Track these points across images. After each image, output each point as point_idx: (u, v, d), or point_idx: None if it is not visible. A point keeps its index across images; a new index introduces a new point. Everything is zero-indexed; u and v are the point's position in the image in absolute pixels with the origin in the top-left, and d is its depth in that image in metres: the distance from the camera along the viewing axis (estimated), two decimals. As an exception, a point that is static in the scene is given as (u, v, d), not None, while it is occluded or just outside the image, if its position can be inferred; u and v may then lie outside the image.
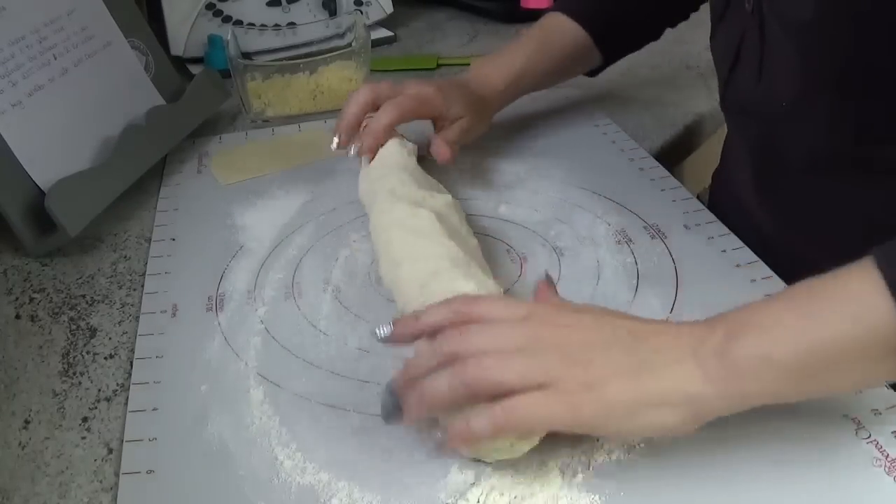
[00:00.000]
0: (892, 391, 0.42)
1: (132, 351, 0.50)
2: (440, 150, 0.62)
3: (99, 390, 0.47)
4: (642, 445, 0.40)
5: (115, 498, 0.40)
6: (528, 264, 0.55)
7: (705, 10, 0.64)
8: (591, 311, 0.40)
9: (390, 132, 0.62)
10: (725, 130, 0.74)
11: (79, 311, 0.55)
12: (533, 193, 0.64)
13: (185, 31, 0.93)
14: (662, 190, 0.64)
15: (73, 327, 0.53)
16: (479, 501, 0.38)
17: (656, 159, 0.69)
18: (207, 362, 0.48)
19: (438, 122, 0.65)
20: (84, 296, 0.56)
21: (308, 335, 0.50)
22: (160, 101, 0.75)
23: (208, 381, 0.47)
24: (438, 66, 0.94)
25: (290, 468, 0.41)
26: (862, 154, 0.51)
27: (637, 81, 0.87)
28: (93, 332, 0.53)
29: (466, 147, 0.70)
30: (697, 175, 0.89)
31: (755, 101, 0.55)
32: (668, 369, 0.36)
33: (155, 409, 0.45)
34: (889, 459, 0.39)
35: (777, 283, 0.52)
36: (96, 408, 0.46)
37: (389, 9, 1.03)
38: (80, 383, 0.48)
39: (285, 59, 0.86)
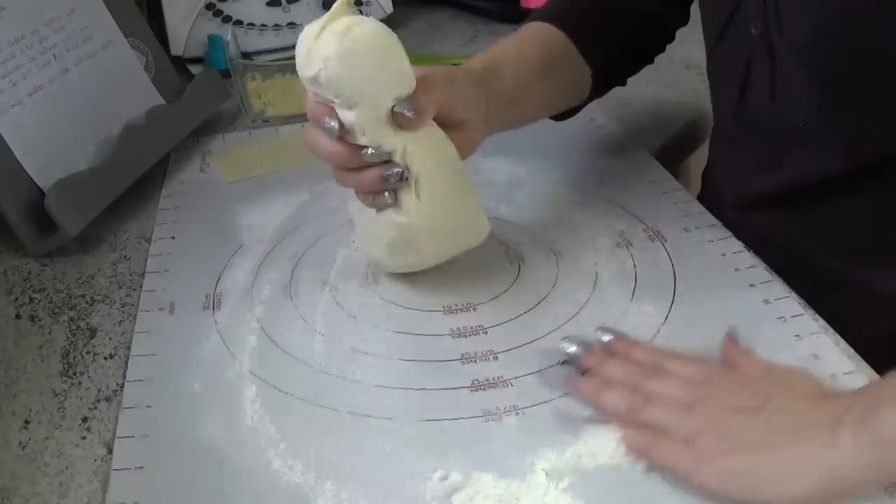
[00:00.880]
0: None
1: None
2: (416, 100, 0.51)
3: (99, 390, 0.48)
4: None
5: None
6: (525, 266, 0.56)
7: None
8: (759, 379, 0.42)
9: None
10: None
11: (79, 311, 0.55)
12: (533, 194, 0.64)
13: (185, 31, 0.93)
14: (664, 192, 0.64)
15: (73, 327, 0.53)
16: None
17: (656, 159, 0.69)
18: (202, 360, 0.49)
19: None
20: (84, 296, 0.57)
21: (303, 335, 0.50)
22: (160, 101, 0.75)
23: (202, 380, 0.47)
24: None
25: (278, 467, 0.41)
26: (878, 171, 0.51)
27: (637, 81, 0.87)
28: (93, 332, 0.53)
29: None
30: (697, 175, 0.89)
31: (771, 122, 0.55)
32: (802, 441, 0.37)
33: (148, 407, 0.45)
34: None
35: (776, 286, 0.52)
36: (96, 408, 0.46)
37: (389, 9, 1.03)
38: (80, 383, 0.48)
39: (285, 59, 0.86)
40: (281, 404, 0.45)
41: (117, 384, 0.48)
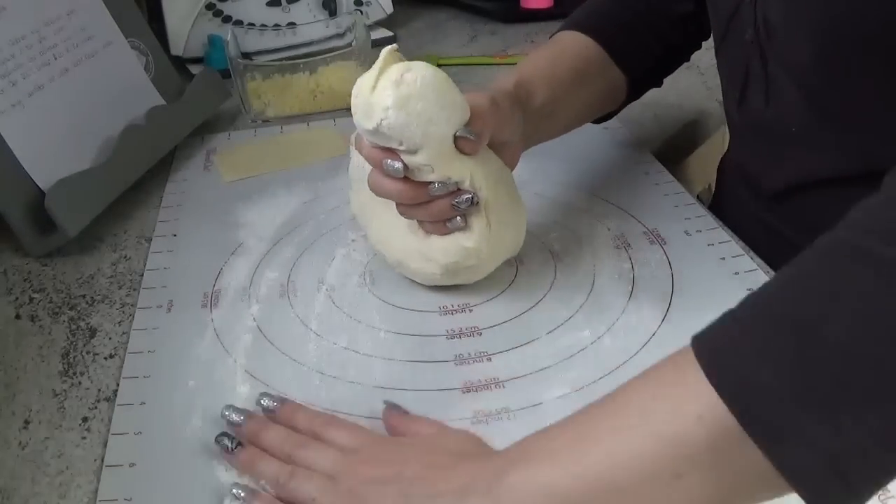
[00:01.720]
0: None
1: (131, 351, 0.50)
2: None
3: (99, 390, 0.48)
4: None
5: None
6: (523, 267, 0.56)
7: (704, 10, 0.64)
8: (414, 446, 0.39)
9: None
10: (725, 130, 0.74)
11: (79, 311, 0.55)
12: (535, 195, 0.64)
13: (185, 31, 0.93)
14: (666, 195, 0.64)
15: (73, 327, 0.53)
16: None
17: (657, 159, 0.69)
18: (197, 358, 0.49)
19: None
20: (84, 296, 0.57)
21: (299, 334, 0.50)
22: (160, 101, 0.75)
23: (197, 377, 0.47)
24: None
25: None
26: (870, 178, 0.51)
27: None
28: (93, 332, 0.53)
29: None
30: (697, 175, 0.90)
31: (766, 124, 0.56)
32: (456, 496, 0.34)
33: (143, 404, 0.45)
34: None
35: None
36: (96, 408, 0.46)
37: (389, 9, 1.03)
38: (80, 383, 0.48)
39: (285, 59, 0.86)
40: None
41: (117, 384, 0.48)
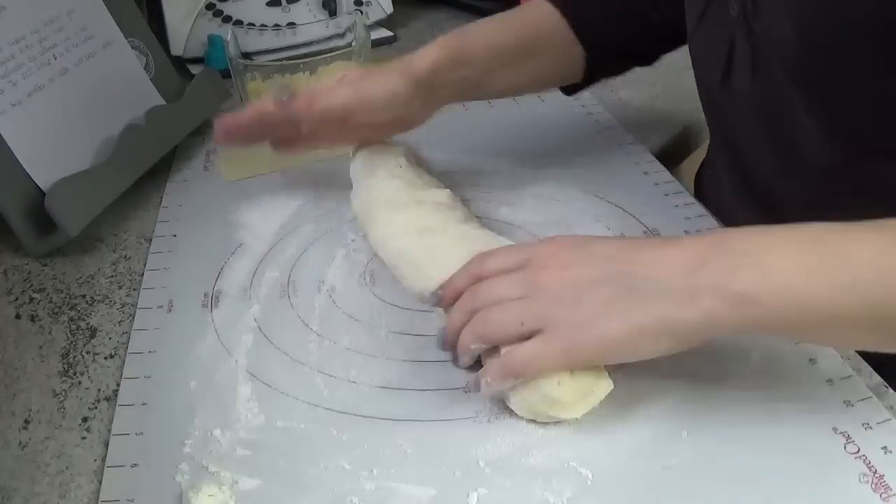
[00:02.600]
0: (883, 406, 0.42)
1: (132, 351, 0.50)
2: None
3: (99, 390, 0.48)
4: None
5: (114, 498, 0.40)
6: (526, 266, 0.56)
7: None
8: (585, 245, 0.42)
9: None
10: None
11: (79, 311, 0.55)
12: (535, 196, 0.64)
13: (185, 31, 0.93)
14: (666, 195, 0.63)
15: (73, 327, 0.53)
16: None
17: (656, 159, 0.69)
18: (198, 358, 0.49)
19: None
20: (84, 296, 0.57)
21: (299, 334, 0.50)
22: (160, 101, 0.75)
23: (198, 378, 0.47)
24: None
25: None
26: (861, 162, 0.51)
27: (637, 81, 0.87)
28: (93, 332, 0.53)
29: (469, 149, 0.70)
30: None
31: (755, 101, 0.55)
32: (659, 300, 0.38)
33: (144, 404, 0.45)
34: (877, 476, 0.38)
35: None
36: (96, 408, 0.46)
37: (389, 9, 1.03)
38: (80, 383, 0.48)
39: (285, 59, 0.86)
40: (275, 403, 0.45)
41: (117, 384, 0.48)
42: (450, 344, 0.44)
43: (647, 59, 0.69)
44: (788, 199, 0.56)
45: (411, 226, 0.52)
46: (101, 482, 0.41)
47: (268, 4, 0.96)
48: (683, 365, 0.46)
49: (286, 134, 0.59)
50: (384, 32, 1.04)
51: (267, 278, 0.56)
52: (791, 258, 0.37)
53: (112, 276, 0.59)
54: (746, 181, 0.60)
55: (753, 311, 0.37)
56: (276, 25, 0.95)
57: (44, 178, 0.61)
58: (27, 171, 0.61)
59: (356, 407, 0.44)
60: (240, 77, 0.78)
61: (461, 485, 0.39)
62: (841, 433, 0.41)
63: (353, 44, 0.83)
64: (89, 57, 0.69)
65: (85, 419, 0.46)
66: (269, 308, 0.53)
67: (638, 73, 0.88)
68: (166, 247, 0.61)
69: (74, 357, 0.51)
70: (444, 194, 0.56)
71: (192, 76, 0.79)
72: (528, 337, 0.40)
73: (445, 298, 0.45)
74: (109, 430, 0.44)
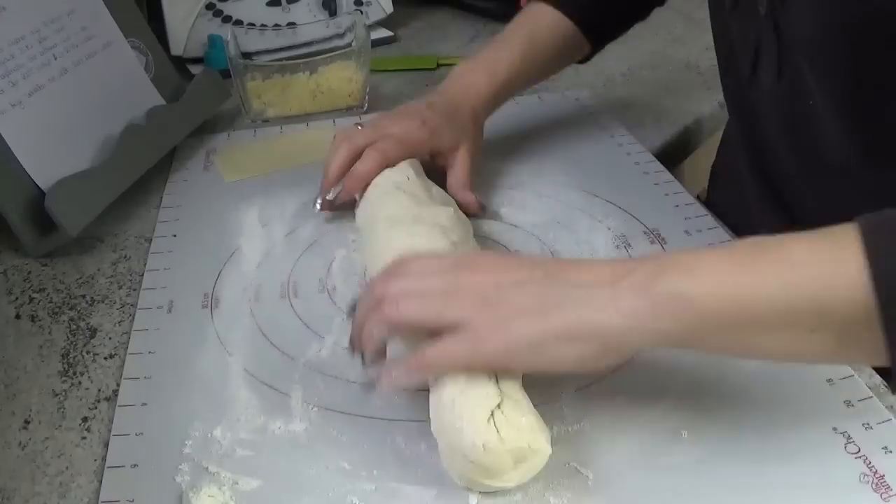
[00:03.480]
0: (883, 406, 0.42)
1: (132, 351, 0.50)
2: (468, 204, 0.60)
3: (99, 390, 0.48)
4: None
5: (114, 498, 0.40)
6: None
7: (704, 8, 0.63)
8: (519, 257, 0.42)
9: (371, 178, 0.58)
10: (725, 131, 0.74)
11: (79, 311, 0.55)
12: (535, 196, 0.64)
13: (185, 31, 0.93)
14: (666, 195, 0.63)
15: (73, 327, 0.53)
16: None
17: (657, 159, 0.69)
18: (198, 359, 0.49)
19: (435, 157, 0.63)
20: (84, 296, 0.57)
21: (299, 335, 0.50)
22: (160, 101, 0.75)
23: (198, 378, 0.47)
24: (438, 66, 0.94)
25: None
26: (885, 164, 0.51)
27: (637, 82, 0.87)
28: (93, 332, 0.53)
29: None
30: (697, 175, 0.90)
31: (780, 99, 0.55)
32: (579, 302, 0.36)
33: (144, 405, 0.45)
34: (877, 476, 0.38)
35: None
36: (96, 408, 0.46)
37: (389, 9, 1.03)
38: (80, 383, 0.48)
39: (285, 59, 0.86)
40: (276, 404, 0.45)
41: (117, 384, 0.48)
42: (356, 337, 0.42)
43: (644, 15, 0.73)
44: (809, 198, 0.56)
45: (401, 244, 0.49)
46: (101, 482, 0.41)
47: (268, 4, 0.96)
48: (683, 365, 0.46)
49: None
50: (384, 32, 1.04)
51: (267, 279, 0.56)
52: (721, 260, 0.36)
53: (112, 276, 0.59)
54: (768, 179, 0.60)
55: (680, 310, 0.35)
56: (276, 25, 0.95)
57: (44, 178, 0.61)
58: (27, 171, 0.61)
59: (356, 407, 0.44)
60: (240, 77, 0.78)
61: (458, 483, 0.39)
62: (841, 433, 0.41)
63: (353, 44, 0.83)
64: (89, 57, 0.69)
65: (85, 419, 0.46)
66: (269, 308, 0.53)
67: (638, 72, 0.89)
68: (166, 247, 0.61)
69: (74, 357, 0.51)
70: (445, 213, 0.53)
71: (192, 76, 0.79)
72: (438, 334, 0.38)
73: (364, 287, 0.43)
74: (109, 430, 0.44)
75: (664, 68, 0.91)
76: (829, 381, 0.44)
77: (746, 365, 0.45)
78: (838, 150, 0.52)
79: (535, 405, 0.39)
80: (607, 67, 0.89)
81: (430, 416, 0.40)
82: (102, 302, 0.56)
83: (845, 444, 0.40)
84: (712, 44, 0.62)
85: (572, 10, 0.67)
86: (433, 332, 0.38)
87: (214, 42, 0.91)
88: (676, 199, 0.63)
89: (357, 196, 0.60)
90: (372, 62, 0.82)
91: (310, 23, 0.94)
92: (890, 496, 0.37)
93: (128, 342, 0.51)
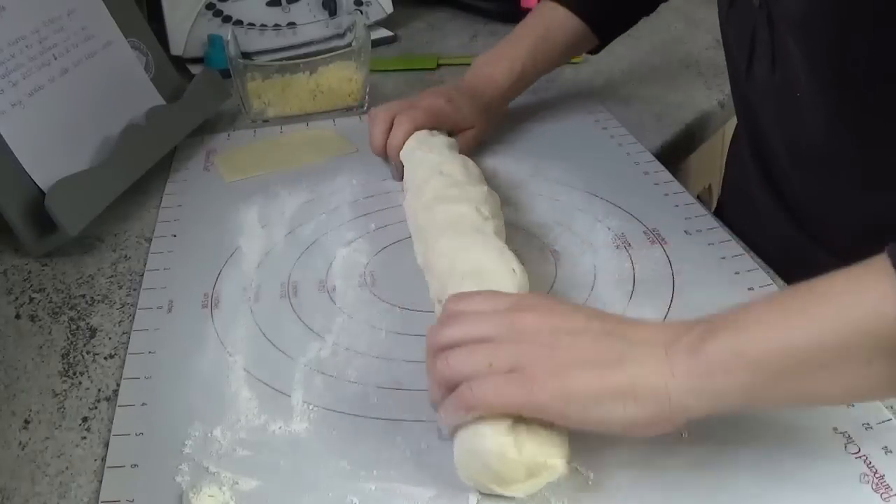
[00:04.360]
0: (883, 406, 0.42)
1: (132, 351, 0.50)
2: None
3: (99, 390, 0.48)
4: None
5: (114, 498, 0.40)
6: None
7: (704, 8, 0.64)
8: (573, 304, 0.42)
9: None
10: (725, 131, 0.74)
11: (79, 311, 0.55)
12: (535, 195, 0.64)
13: (185, 31, 0.93)
14: (666, 195, 0.63)
15: (73, 327, 0.53)
16: None
17: (657, 159, 0.69)
18: (198, 359, 0.49)
19: (452, 132, 0.68)
20: (84, 296, 0.57)
21: (299, 334, 0.50)
22: (160, 101, 0.75)
23: (198, 378, 0.47)
24: (438, 66, 0.94)
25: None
26: (870, 152, 0.51)
27: (638, 81, 0.87)
28: (93, 332, 0.53)
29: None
30: (697, 175, 0.90)
31: (772, 91, 0.55)
32: (636, 362, 0.36)
33: (144, 405, 0.45)
34: (877, 476, 0.38)
35: (775, 290, 0.52)
36: (96, 408, 0.46)
37: (389, 9, 1.03)
38: (80, 383, 0.48)
39: (285, 59, 0.86)
40: (276, 404, 0.45)
41: (117, 384, 0.48)
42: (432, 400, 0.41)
43: (650, 10, 0.76)
44: (799, 188, 0.57)
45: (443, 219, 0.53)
46: (101, 482, 0.41)
47: (268, 4, 0.96)
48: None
49: None
50: (384, 32, 1.04)
51: (267, 278, 0.56)
52: (768, 311, 0.36)
53: (112, 276, 0.59)
54: (768, 173, 0.61)
55: (732, 365, 0.35)
56: (276, 25, 0.95)
57: (44, 178, 0.61)
58: (27, 171, 0.61)
59: (356, 407, 0.44)
60: (240, 77, 0.78)
61: (461, 485, 0.39)
62: (841, 433, 0.41)
63: (353, 44, 0.83)
64: (89, 57, 0.69)
65: (85, 419, 0.46)
66: (269, 308, 0.53)
67: (638, 72, 0.89)
68: (166, 247, 0.61)
69: (74, 357, 0.51)
70: (479, 192, 0.56)
71: (192, 76, 0.79)
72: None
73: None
74: (109, 430, 0.44)
75: (664, 68, 0.91)
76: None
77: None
78: (826, 140, 0.52)
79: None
80: (607, 67, 0.89)
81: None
82: (102, 302, 0.56)
83: (845, 444, 0.40)
84: (712, 44, 0.62)
85: (581, 8, 0.72)
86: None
87: (214, 42, 0.91)
88: (676, 199, 0.63)
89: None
90: (372, 62, 0.82)
91: (310, 23, 0.94)
92: (890, 496, 0.37)
93: (128, 342, 0.51)
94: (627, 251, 0.57)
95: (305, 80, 0.79)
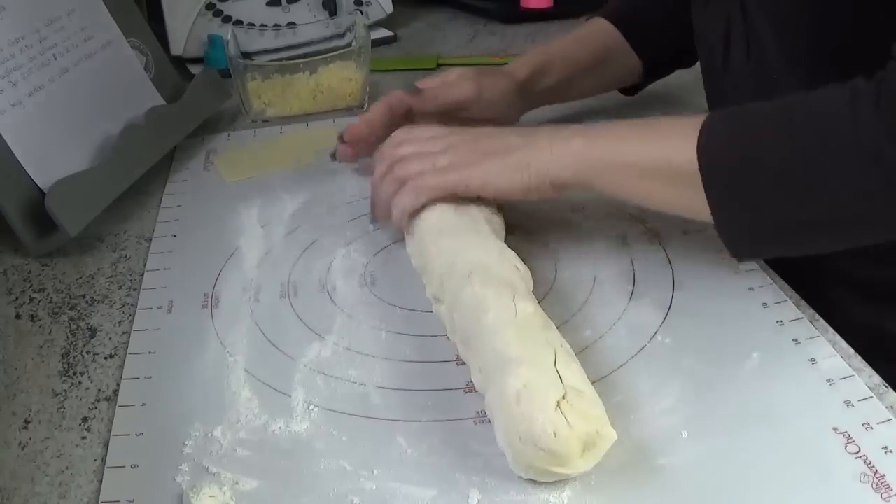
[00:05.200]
0: (883, 406, 0.42)
1: (132, 351, 0.50)
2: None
3: (99, 390, 0.48)
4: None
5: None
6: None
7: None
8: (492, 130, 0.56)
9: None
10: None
11: (79, 311, 0.55)
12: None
13: (185, 31, 0.93)
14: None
15: (73, 327, 0.53)
16: None
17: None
18: (199, 359, 0.49)
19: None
20: (84, 296, 0.57)
21: (299, 334, 0.50)
22: (160, 101, 0.75)
23: (198, 378, 0.47)
24: (438, 66, 0.94)
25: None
26: None
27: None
28: (93, 332, 0.53)
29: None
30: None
31: (748, 77, 0.56)
32: (529, 147, 0.52)
33: (143, 405, 0.45)
34: (877, 476, 0.38)
35: (775, 290, 0.52)
36: (96, 408, 0.46)
37: (389, 9, 1.03)
38: (80, 383, 0.48)
39: (285, 59, 0.86)
40: (276, 404, 0.45)
41: (117, 384, 0.48)
42: (372, 196, 0.57)
43: (692, 61, 0.75)
44: None
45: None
46: (101, 482, 0.41)
47: (268, 4, 0.96)
48: (683, 365, 0.46)
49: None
50: (384, 32, 1.04)
51: (267, 278, 0.56)
52: (618, 128, 0.51)
53: (112, 276, 0.59)
54: None
55: (583, 158, 0.51)
56: (276, 25, 0.95)
57: (44, 178, 0.61)
58: (27, 171, 0.61)
59: (356, 407, 0.44)
60: (240, 77, 0.78)
61: (461, 485, 0.39)
62: (841, 433, 0.41)
63: (353, 44, 0.83)
64: (89, 57, 0.69)
65: (85, 419, 0.46)
66: (269, 308, 0.53)
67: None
68: (166, 247, 0.61)
69: (74, 357, 0.51)
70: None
71: (192, 76, 0.79)
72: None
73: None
74: (109, 431, 0.44)
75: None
76: (829, 381, 0.44)
77: (746, 365, 0.46)
78: None
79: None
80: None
81: (492, 414, 0.40)
82: (102, 302, 0.56)
83: (845, 444, 0.40)
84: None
85: (619, 19, 0.72)
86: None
87: (214, 42, 0.91)
88: (676, 199, 0.63)
89: None
90: (372, 62, 0.82)
91: (310, 23, 0.94)
92: (890, 496, 0.37)
93: (128, 342, 0.51)
94: (627, 251, 0.57)
95: (305, 80, 0.79)
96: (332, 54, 0.80)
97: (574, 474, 0.39)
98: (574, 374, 0.40)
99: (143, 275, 0.58)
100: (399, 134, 0.57)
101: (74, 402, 0.47)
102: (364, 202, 0.65)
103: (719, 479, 0.39)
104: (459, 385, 0.46)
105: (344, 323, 0.51)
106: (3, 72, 0.61)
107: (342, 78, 0.80)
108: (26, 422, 0.46)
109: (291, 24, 0.95)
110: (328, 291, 0.54)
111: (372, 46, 0.82)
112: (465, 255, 0.48)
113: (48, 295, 0.57)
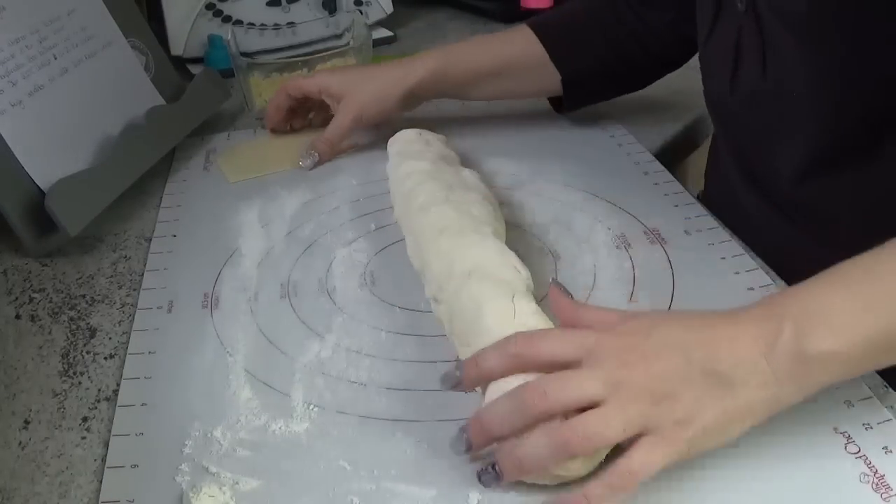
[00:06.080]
0: (883, 406, 0.42)
1: (132, 351, 0.50)
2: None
3: (99, 390, 0.48)
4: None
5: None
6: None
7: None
8: (651, 328, 0.40)
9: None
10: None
11: (79, 311, 0.55)
12: (534, 195, 0.64)
13: (185, 31, 0.93)
14: (666, 195, 0.63)
15: (73, 327, 0.53)
16: None
17: (657, 159, 0.69)
18: (199, 359, 0.49)
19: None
20: (84, 296, 0.57)
21: (299, 334, 0.50)
22: (160, 101, 0.75)
23: (198, 378, 0.47)
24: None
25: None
26: (867, 146, 0.51)
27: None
28: (93, 332, 0.53)
29: (468, 147, 0.70)
30: (697, 175, 0.89)
31: (765, 95, 0.55)
32: (746, 385, 0.38)
33: (144, 405, 0.45)
34: (877, 476, 0.38)
35: (775, 290, 0.52)
36: (96, 408, 0.46)
37: (389, 9, 1.03)
38: (80, 383, 0.48)
39: (285, 58, 0.86)
40: (276, 404, 0.45)
41: (117, 384, 0.48)
42: (499, 450, 0.38)
43: (632, 86, 0.75)
44: (800, 193, 0.56)
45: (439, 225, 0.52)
46: (101, 482, 0.41)
47: (268, 4, 0.96)
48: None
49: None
50: (384, 32, 1.04)
51: (267, 279, 0.56)
52: (842, 297, 0.39)
53: (112, 276, 0.59)
54: (757, 183, 0.60)
55: (830, 364, 0.38)
56: (276, 25, 0.95)
57: (44, 178, 0.61)
58: (27, 171, 0.61)
59: (356, 407, 0.44)
60: (243, 75, 0.78)
61: (461, 485, 0.39)
62: (841, 433, 0.41)
63: (352, 43, 0.83)
64: (89, 57, 0.69)
65: (85, 419, 0.46)
66: (269, 308, 0.53)
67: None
68: (166, 247, 0.61)
69: (74, 357, 0.51)
70: (474, 198, 0.56)
71: (192, 76, 0.79)
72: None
73: (478, 378, 0.40)
74: (109, 431, 0.44)
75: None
76: (829, 381, 0.44)
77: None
78: (820, 137, 0.52)
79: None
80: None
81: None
82: (102, 302, 0.56)
83: (845, 444, 0.40)
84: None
85: (540, 28, 0.71)
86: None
87: (214, 42, 0.91)
88: (676, 199, 0.63)
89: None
90: (372, 61, 0.82)
91: (309, 22, 0.94)
92: (890, 496, 0.37)
93: (128, 342, 0.51)
94: (627, 251, 0.57)
95: (305, 80, 0.79)
96: (331, 52, 0.80)
97: (574, 476, 0.39)
98: None
99: (143, 275, 0.58)
100: (516, 347, 0.40)
101: (74, 402, 0.47)
102: (364, 202, 0.65)
103: (719, 479, 0.39)
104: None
105: (344, 323, 0.51)
106: (3, 72, 0.61)
107: (342, 78, 0.80)
108: (26, 422, 0.46)
109: (291, 24, 0.95)
110: (328, 291, 0.54)
111: (372, 46, 0.83)
112: (464, 255, 0.48)
113: (48, 295, 0.57)
